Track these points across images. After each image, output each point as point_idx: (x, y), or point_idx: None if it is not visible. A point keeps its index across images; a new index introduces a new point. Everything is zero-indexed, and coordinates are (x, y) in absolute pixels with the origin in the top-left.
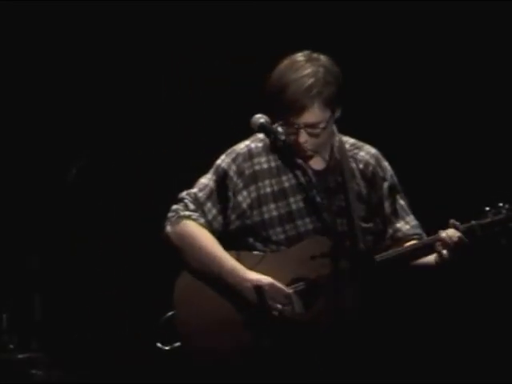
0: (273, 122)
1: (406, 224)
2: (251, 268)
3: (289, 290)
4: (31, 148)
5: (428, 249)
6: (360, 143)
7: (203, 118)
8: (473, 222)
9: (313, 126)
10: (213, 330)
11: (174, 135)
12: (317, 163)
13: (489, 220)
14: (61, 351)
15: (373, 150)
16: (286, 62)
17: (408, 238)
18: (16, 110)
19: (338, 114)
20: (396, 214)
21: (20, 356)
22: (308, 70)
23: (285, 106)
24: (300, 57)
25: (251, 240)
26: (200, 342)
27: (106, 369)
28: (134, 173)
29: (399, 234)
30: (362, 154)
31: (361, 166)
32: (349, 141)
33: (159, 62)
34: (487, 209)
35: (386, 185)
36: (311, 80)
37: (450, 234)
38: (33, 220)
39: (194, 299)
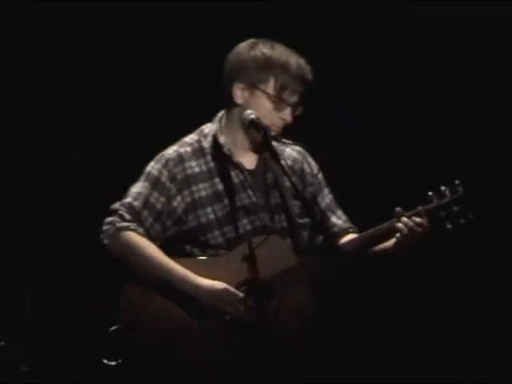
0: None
1: (339, 219)
2: (198, 274)
3: (241, 294)
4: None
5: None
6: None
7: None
8: (419, 208)
9: (297, 106)
10: (168, 338)
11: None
12: (248, 162)
13: (434, 205)
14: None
15: (297, 147)
16: (269, 44)
17: (343, 232)
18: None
19: None
20: (329, 209)
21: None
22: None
23: (289, 80)
24: (275, 43)
25: (188, 246)
26: (156, 351)
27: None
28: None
29: (335, 229)
30: (288, 150)
31: (289, 162)
32: None
33: (157, 60)
34: (430, 193)
35: (316, 180)
36: (304, 61)
37: (405, 221)
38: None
39: (145, 309)
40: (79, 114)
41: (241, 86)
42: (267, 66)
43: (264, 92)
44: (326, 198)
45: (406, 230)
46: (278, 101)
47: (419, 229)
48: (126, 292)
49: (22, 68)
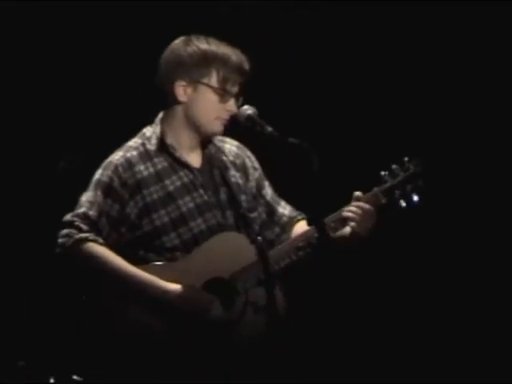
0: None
1: (285, 209)
2: (162, 279)
3: (209, 294)
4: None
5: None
6: (220, 136)
7: None
8: (375, 189)
9: (238, 97)
10: (141, 344)
11: None
12: (195, 161)
13: (389, 184)
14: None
15: (235, 142)
16: (203, 38)
17: (293, 220)
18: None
19: None
20: (274, 201)
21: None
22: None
23: (230, 72)
24: (208, 37)
25: (142, 252)
26: (129, 357)
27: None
28: None
29: (285, 219)
30: (227, 146)
31: (231, 157)
32: None
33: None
34: (383, 173)
35: (257, 174)
36: (240, 52)
37: (354, 209)
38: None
39: (115, 318)
40: (79, 114)
41: (183, 83)
42: (207, 60)
43: (208, 86)
44: (269, 190)
45: (356, 218)
46: (223, 93)
47: (366, 216)
48: (95, 301)
49: (22, 68)
